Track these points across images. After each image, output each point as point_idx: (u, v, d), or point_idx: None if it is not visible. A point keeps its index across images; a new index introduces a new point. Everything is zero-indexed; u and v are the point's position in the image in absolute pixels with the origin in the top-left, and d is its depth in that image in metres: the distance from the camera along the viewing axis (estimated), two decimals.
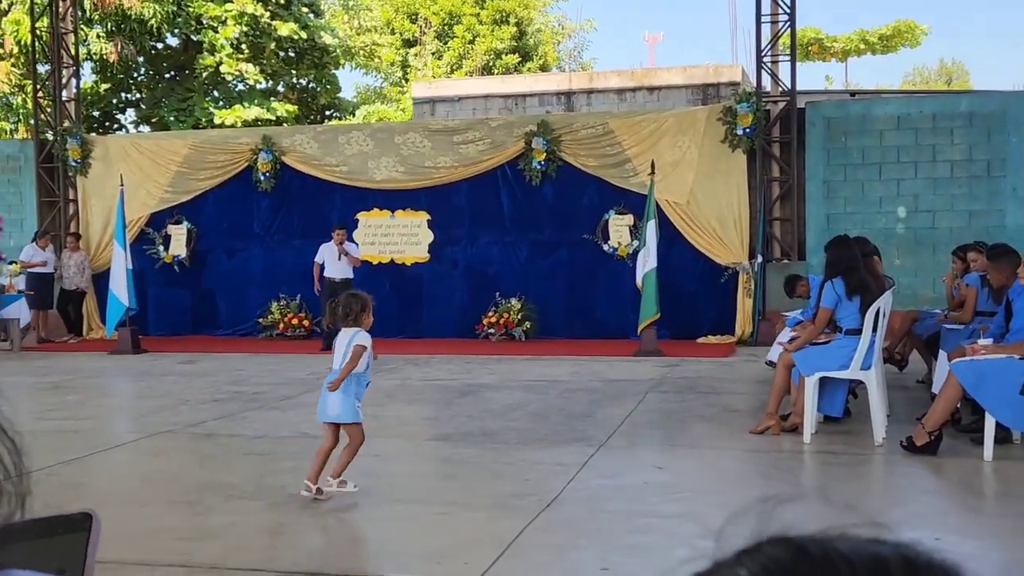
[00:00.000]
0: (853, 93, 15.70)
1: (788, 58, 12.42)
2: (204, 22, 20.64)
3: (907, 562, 0.41)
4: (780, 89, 12.33)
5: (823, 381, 6.11)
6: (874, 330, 6.01)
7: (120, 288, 11.78)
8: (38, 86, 14.89)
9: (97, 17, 19.88)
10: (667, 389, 8.28)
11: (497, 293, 12.67)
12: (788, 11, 12.22)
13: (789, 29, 12.29)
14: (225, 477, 5.37)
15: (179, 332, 13.65)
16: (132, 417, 7.84)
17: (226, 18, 20.40)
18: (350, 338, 4.76)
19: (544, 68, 27.02)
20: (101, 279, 13.33)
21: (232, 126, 19.24)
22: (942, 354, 6.45)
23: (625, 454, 5.81)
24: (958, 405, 5.93)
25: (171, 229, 13.94)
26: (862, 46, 29.77)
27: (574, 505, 4.61)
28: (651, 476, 5.20)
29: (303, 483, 4.67)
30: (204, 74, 20.84)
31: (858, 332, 6.00)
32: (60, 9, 14.66)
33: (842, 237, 6.46)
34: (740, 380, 8.80)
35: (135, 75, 22.03)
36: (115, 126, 22.22)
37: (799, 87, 12.41)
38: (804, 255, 11.95)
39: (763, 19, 12.35)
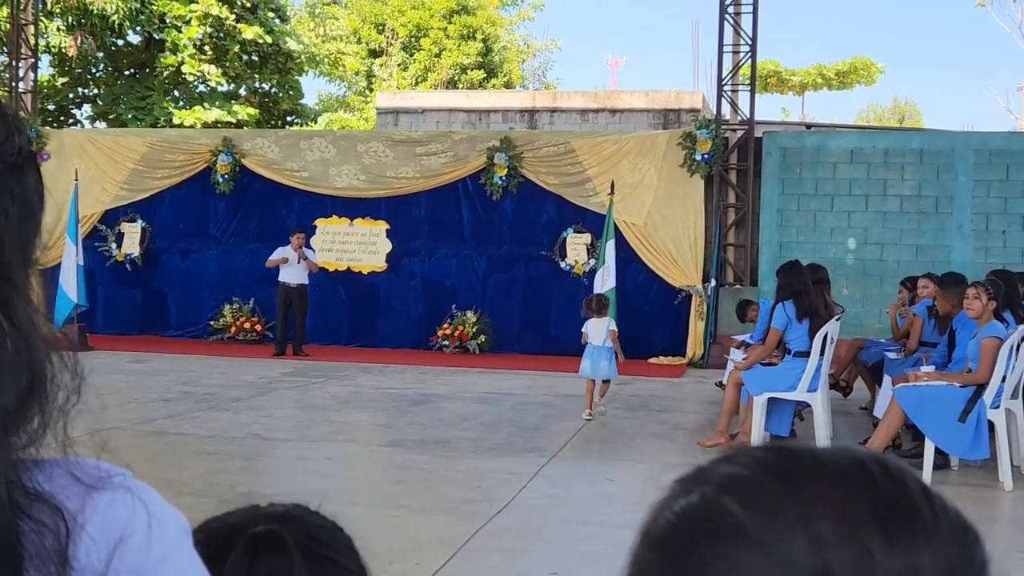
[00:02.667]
0: (809, 126, 16.06)
1: (748, 88, 12.70)
2: (168, 21, 20.42)
3: (880, 462, 0.47)
4: (739, 118, 12.60)
5: (771, 401, 6.25)
6: (821, 354, 6.17)
7: (70, 284, 11.59)
8: None
9: (58, 10, 19.59)
10: (619, 406, 8.37)
11: (453, 305, 12.70)
12: (749, 43, 12.52)
13: (750, 60, 12.58)
14: (174, 474, 5.33)
15: (128, 332, 13.42)
16: (76, 413, 7.69)
17: (190, 18, 20.21)
18: (606, 326, 7.17)
19: (508, 85, 27.21)
20: (51, 274, 13.06)
21: (192, 127, 19.04)
22: (886, 380, 6.63)
23: (576, 465, 5.88)
24: (899, 431, 6.11)
25: (125, 227, 13.75)
26: (819, 80, 30.48)
27: (525, 512, 4.66)
28: (601, 487, 5.27)
29: (584, 411, 7.25)
30: (165, 73, 20.60)
31: (806, 355, 6.16)
32: (21, 0, 14.45)
33: (793, 262, 6.63)
34: (690, 400, 8.94)
35: (94, 71, 21.70)
36: (70, 121, 21.84)
37: (757, 117, 12.70)
38: (756, 281, 12.18)
39: (725, 49, 12.63)
